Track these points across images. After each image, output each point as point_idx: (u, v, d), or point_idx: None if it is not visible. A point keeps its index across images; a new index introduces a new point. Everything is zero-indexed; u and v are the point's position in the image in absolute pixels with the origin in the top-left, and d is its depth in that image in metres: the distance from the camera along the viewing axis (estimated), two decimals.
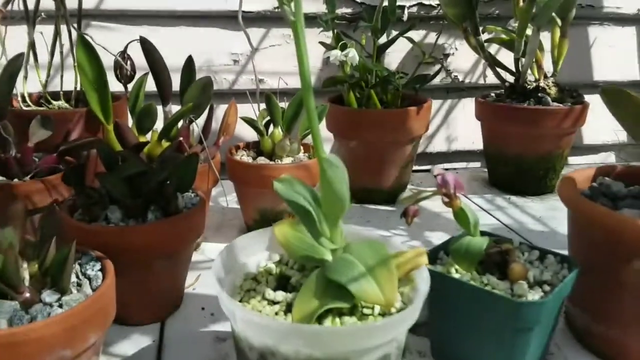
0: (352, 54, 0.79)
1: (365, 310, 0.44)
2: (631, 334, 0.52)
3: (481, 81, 1.23)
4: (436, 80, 1.18)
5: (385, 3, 0.89)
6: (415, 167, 1.27)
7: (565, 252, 0.56)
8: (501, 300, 0.47)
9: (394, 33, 0.99)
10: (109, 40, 0.76)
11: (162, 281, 0.59)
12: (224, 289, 0.45)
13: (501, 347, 0.48)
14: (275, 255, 0.52)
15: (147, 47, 0.75)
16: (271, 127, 0.82)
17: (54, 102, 0.83)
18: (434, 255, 0.56)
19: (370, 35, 0.92)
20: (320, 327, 0.40)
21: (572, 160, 1.36)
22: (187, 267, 0.63)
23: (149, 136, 0.73)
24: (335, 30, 0.91)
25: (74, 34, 0.83)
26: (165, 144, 0.72)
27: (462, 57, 1.20)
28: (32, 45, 0.82)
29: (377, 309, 0.44)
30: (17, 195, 0.62)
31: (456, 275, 0.52)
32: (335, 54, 0.81)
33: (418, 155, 1.27)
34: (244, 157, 0.80)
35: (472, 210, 0.51)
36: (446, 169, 0.52)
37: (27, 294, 0.42)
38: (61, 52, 0.86)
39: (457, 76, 1.22)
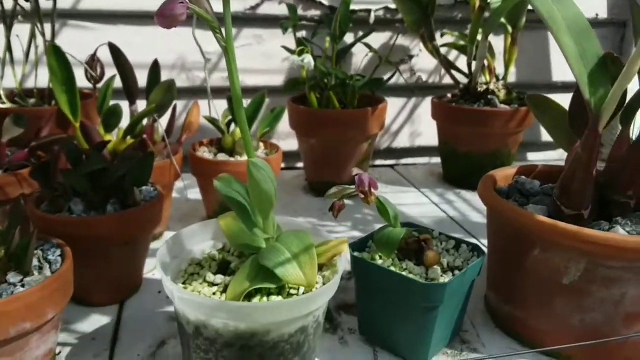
0: (307, 59, 0.85)
1: (292, 291, 0.51)
2: (530, 313, 0.60)
3: (445, 80, 1.30)
4: (401, 80, 1.24)
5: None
6: (378, 162, 1.35)
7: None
8: (411, 282, 0.54)
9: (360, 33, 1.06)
10: (86, 38, 0.80)
11: (121, 266, 0.66)
12: (168, 273, 0.52)
13: (413, 322, 0.55)
14: (219, 244, 0.59)
15: (115, 52, 0.81)
16: (232, 126, 0.88)
17: (28, 100, 0.89)
18: (364, 243, 0.62)
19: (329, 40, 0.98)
20: (242, 303, 0.47)
21: (530, 156, 1.43)
22: (145, 254, 0.70)
23: (115, 133, 0.79)
24: (296, 35, 0.97)
25: (49, 33, 0.88)
26: (130, 140, 0.78)
27: (426, 58, 1.26)
28: (8, 46, 0.88)
29: (302, 290, 0.51)
30: None
31: (379, 261, 0.59)
32: (293, 59, 0.87)
33: (383, 150, 1.34)
34: (205, 153, 0.87)
35: (391, 204, 0.58)
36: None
37: None
38: (35, 52, 0.91)
39: (420, 76, 1.28)
